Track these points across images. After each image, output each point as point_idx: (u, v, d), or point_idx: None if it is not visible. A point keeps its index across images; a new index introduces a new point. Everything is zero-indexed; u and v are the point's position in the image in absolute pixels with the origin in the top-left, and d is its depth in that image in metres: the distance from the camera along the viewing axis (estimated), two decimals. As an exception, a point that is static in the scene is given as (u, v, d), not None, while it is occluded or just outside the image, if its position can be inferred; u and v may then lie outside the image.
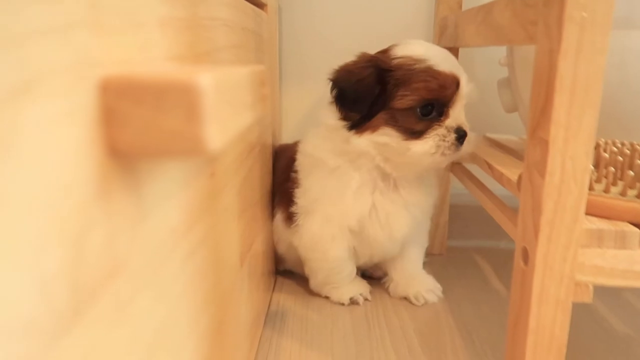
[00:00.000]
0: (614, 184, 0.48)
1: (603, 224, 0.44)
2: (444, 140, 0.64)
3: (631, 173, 0.47)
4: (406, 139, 0.65)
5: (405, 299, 0.76)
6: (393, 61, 0.65)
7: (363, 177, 0.69)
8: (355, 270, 0.77)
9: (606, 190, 0.47)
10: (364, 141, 0.66)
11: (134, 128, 0.22)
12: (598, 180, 0.48)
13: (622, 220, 0.45)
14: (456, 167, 0.84)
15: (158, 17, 0.30)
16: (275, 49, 0.82)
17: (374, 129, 0.66)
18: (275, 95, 0.84)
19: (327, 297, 0.76)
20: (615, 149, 0.54)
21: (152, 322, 0.28)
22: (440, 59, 0.65)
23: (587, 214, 0.46)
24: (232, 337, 0.47)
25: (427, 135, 0.64)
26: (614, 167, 0.49)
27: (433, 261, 0.87)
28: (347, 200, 0.69)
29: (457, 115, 0.66)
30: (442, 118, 0.65)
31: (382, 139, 0.66)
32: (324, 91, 0.68)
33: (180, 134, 0.23)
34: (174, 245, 0.31)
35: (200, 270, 0.37)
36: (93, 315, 0.21)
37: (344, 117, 0.67)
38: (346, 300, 0.75)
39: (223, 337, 0.43)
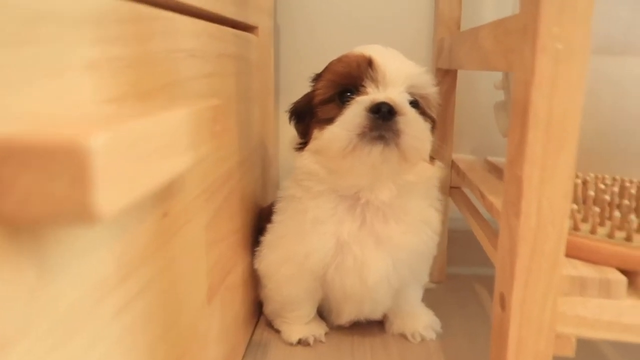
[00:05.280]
0: (602, 224, 0.44)
1: (586, 270, 0.41)
2: (352, 114, 0.55)
3: (618, 214, 0.44)
4: (322, 128, 0.59)
5: (402, 335, 0.71)
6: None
7: (320, 206, 0.61)
8: (313, 311, 0.70)
9: (593, 231, 0.43)
10: (305, 155, 0.62)
11: (18, 194, 0.21)
12: (585, 220, 0.45)
13: (609, 265, 0.42)
14: (454, 192, 0.81)
15: (85, 61, 0.28)
16: (269, 69, 0.81)
17: (310, 139, 0.62)
18: (269, 116, 0.82)
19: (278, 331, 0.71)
20: (603, 186, 0.50)
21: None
22: (362, 46, 0.60)
23: (571, 256, 0.43)
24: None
25: (339, 116, 0.57)
26: (601, 206, 0.45)
27: (431, 289, 0.84)
28: (306, 237, 0.61)
29: (381, 94, 0.56)
30: (355, 96, 0.57)
31: (314, 144, 0.61)
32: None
33: (66, 200, 0.21)
34: (101, 297, 0.29)
35: (145, 315, 0.35)
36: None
37: (300, 141, 0.64)
38: (294, 341, 0.68)
39: (177, 383, 0.41)
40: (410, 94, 0.58)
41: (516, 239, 0.39)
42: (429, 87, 0.60)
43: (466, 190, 0.79)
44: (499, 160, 0.80)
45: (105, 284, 0.30)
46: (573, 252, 0.43)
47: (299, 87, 0.64)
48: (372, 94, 0.57)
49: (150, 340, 0.36)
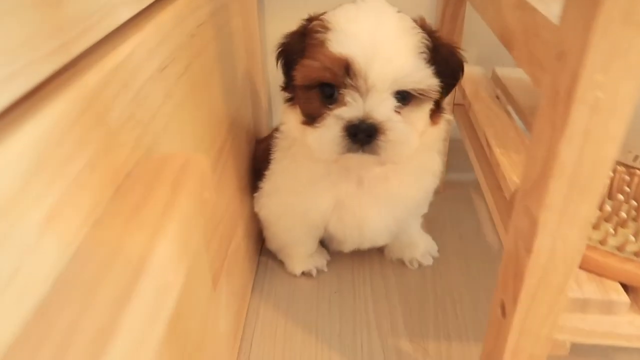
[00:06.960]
0: (615, 230, 0.43)
1: (590, 291, 0.41)
2: (329, 133, 0.49)
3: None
4: (304, 123, 0.53)
5: (400, 261, 0.74)
6: (310, 25, 0.52)
7: (314, 166, 0.57)
8: (315, 246, 0.72)
9: (603, 242, 0.42)
10: (291, 118, 0.55)
11: None
12: (596, 227, 0.43)
13: (615, 279, 0.42)
14: (458, 109, 0.76)
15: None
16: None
17: (296, 105, 0.55)
18: (255, 38, 0.73)
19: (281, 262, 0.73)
20: (628, 189, 0.47)
21: None
22: (344, 33, 0.49)
23: (579, 267, 0.43)
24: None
25: (318, 124, 0.51)
26: (619, 210, 0.43)
27: (430, 202, 0.84)
28: (304, 194, 0.60)
29: (363, 105, 0.48)
30: (333, 105, 0.50)
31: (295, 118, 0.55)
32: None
33: None
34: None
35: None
36: None
37: (285, 87, 0.56)
38: (298, 273, 0.71)
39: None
40: (400, 90, 0.50)
41: (524, 270, 0.38)
42: (425, 82, 0.50)
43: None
44: (509, 72, 0.74)
45: None
46: (580, 264, 0.42)
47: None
48: (350, 107, 0.48)
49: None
